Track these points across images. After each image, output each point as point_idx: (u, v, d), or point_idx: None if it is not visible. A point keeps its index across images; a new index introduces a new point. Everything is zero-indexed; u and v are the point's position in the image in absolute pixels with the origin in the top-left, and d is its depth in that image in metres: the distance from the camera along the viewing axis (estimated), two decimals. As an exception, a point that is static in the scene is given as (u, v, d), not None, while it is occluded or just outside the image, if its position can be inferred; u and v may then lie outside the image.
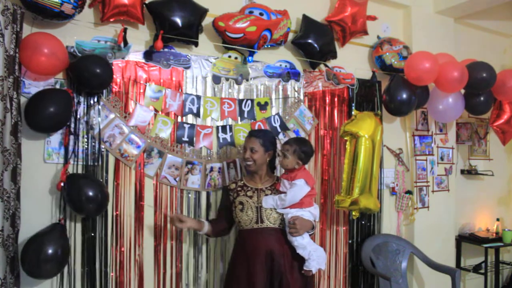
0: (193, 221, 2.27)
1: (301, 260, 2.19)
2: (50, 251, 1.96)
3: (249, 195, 2.26)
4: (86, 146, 2.26)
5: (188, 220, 2.24)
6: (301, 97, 2.94)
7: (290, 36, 2.86)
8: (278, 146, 2.44)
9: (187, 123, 2.55)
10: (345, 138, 2.85)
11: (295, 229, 2.13)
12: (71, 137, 2.22)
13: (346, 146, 2.84)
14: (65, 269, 2.18)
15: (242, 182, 2.34)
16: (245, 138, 2.36)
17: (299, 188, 2.20)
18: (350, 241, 3.13)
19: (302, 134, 2.90)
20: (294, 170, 2.26)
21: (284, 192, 2.22)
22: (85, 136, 2.26)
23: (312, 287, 2.32)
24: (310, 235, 2.24)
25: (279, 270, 2.14)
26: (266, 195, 2.26)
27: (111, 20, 2.27)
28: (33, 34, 2.04)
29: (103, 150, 2.31)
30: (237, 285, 2.16)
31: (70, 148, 2.22)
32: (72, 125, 2.22)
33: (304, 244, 2.16)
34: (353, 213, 2.86)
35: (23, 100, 2.10)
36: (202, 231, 2.30)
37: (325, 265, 2.29)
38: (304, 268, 2.18)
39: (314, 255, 2.17)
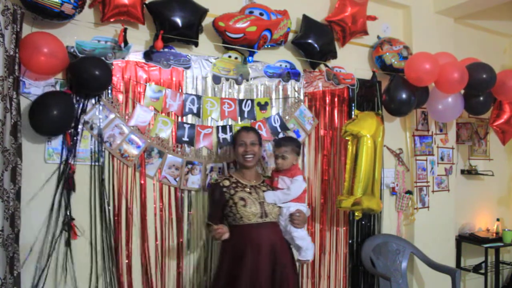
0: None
1: (291, 253, 2.33)
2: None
3: (248, 191, 2.27)
4: (86, 146, 2.27)
5: (227, 230, 2.13)
6: (301, 97, 2.94)
7: (290, 36, 2.85)
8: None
9: (187, 123, 2.55)
10: (347, 138, 2.85)
11: (299, 221, 2.24)
12: (71, 137, 2.23)
13: (348, 146, 2.84)
14: (67, 269, 2.19)
15: (233, 178, 2.33)
16: (238, 133, 2.36)
17: (300, 184, 2.32)
18: (350, 241, 3.13)
19: (302, 134, 2.90)
20: (292, 167, 2.36)
21: (284, 188, 2.31)
22: (85, 136, 2.26)
23: (297, 278, 2.42)
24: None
25: (281, 262, 2.20)
26: (264, 191, 2.31)
27: (111, 20, 2.27)
28: (33, 34, 2.04)
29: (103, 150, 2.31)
30: (241, 279, 2.13)
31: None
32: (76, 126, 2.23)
33: (303, 235, 2.30)
34: (356, 214, 2.85)
35: (24, 100, 2.10)
36: (226, 236, 2.17)
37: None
38: (301, 258, 2.32)
39: (310, 245, 2.32)
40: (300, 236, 2.28)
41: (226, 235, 2.11)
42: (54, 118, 2.04)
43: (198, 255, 2.57)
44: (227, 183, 2.29)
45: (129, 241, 2.36)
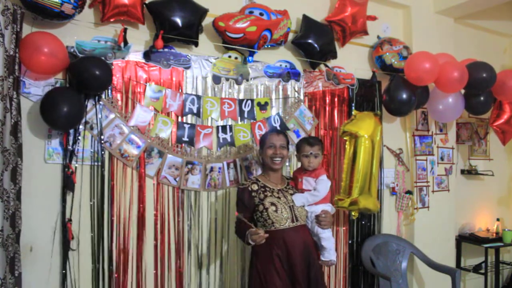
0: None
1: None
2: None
3: (276, 196, 2.25)
4: (86, 146, 2.27)
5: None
6: (301, 97, 2.94)
7: (290, 36, 2.85)
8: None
9: (187, 123, 2.55)
10: (345, 138, 2.85)
11: (326, 222, 2.24)
12: (71, 137, 2.23)
13: (346, 146, 2.84)
14: (68, 269, 2.20)
15: (261, 182, 2.30)
16: (268, 135, 2.33)
17: (326, 183, 2.31)
18: (350, 241, 3.13)
19: (302, 134, 2.90)
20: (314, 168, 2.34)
21: (309, 190, 2.30)
22: (85, 136, 2.27)
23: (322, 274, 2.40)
24: None
25: (313, 263, 2.21)
26: (291, 194, 2.29)
27: (111, 20, 2.28)
28: (33, 34, 2.04)
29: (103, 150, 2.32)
30: (276, 283, 2.12)
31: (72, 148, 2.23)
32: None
33: (329, 236, 2.29)
34: (353, 213, 2.86)
35: (24, 100, 2.11)
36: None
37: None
38: (324, 259, 2.28)
39: (333, 246, 2.31)
40: (327, 237, 2.27)
41: (264, 240, 2.04)
42: (69, 112, 2.06)
43: (200, 255, 2.57)
44: (255, 187, 2.26)
45: (128, 241, 2.36)
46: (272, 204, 2.20)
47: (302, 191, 2.32)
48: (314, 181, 2.31)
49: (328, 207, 2.32)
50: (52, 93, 2.08)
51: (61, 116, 2.04)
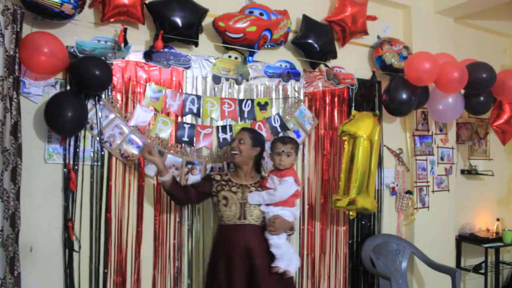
0: (160, 161, 2.17)
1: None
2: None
3: (234, 191, 2.25)
4: (86, 146, 2.27)
5: (157, 156, 2.15)
6: (301, 97, 2.94)
7: (290, 36, 2.85)
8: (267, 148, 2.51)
9: (187, 123, 2.55)
10: (344, 138, 2.86)
11: (274, 227, 2.16)
12: (72, 139, 2.23)
13: (344, 146, 2.85)
14: (67, 269, 2.20)
15: (227, 176, 2.32)
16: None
17: (289, 186, 2.22)
18: (350, 241, 3.13)
19: (302, 134, 2.90)
20: (286, 168, 2.29)
21: (272, 188, 2.23)
22: (85, 136, 2.27)
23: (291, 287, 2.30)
24: (288, 235, 2.30)
25: (257, 267, 2.13)
26: (251, 191, 2.26)
27: (111, 20, 2.28)
28: (33, 34, 2.04)
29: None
30: (217, 279, 2.15)
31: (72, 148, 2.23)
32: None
33: (279, 243, 2.17)
34: (350, 213, 2.86)
35: (24, 100, 2.10)
36: (163, 177, 2.16)
37: (295, 270, 2.25)
38: (273, 264, 2.15)
39: (286, 256, 2.16)
40: (275, 244, 2.15)
41: (154, 158, 2.12)
42: (74, 118, 2.08)
43: (199, 256, 2.57)
44: (218, 177, 2.31)
45: (128, 241, 2.36)
46: (224, 198, 2.23)
47: (265, 189, 2.26)
48: (278, 180, 2.24)
49: (287, 212, 2.21)
50: (57, 99, 2.08)
51: (66, 122, 2.05)
